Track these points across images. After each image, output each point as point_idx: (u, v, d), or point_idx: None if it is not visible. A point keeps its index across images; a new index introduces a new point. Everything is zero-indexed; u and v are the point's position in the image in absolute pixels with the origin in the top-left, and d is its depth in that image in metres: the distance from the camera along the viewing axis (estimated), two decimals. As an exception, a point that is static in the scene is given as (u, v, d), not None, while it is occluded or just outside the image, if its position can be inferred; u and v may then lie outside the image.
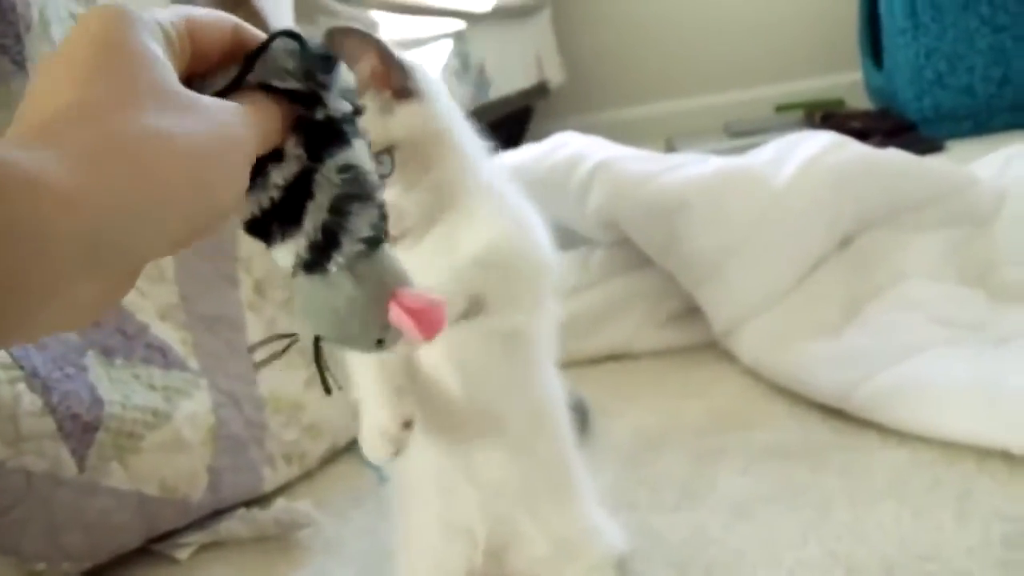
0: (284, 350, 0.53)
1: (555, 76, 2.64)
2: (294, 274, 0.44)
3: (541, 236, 0.68)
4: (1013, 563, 0.69)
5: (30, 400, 0.80)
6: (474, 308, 0.62)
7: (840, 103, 2.62)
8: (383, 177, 0.61)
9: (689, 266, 1.15)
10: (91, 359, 0.88)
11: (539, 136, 2.10)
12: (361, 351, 0.51)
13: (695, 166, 1.18)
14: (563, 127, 2.87)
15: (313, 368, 0.51)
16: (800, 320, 1.08)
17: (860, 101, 2.49)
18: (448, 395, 0.66)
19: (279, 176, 0.40)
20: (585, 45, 2.82)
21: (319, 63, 0.41)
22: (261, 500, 0.97)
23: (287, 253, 0.42)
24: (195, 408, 0.94)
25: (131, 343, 0.93)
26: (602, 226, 1.24)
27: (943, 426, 0.85)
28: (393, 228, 0.55)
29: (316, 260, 0.42)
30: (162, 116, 0.32)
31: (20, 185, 0.27)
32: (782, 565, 0.74)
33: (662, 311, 1.22)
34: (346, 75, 0.43)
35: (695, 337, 1.18)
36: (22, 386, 0.80)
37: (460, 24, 2.06)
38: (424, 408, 0.65)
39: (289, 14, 1.33)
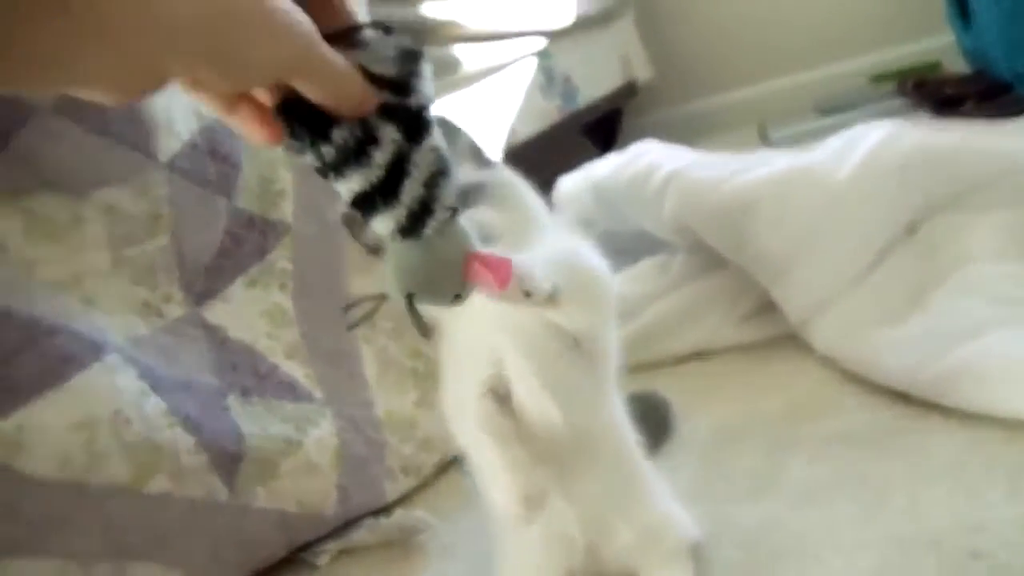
0: (375, 310, 0.64)
1: (643, 73, 2.70)
2: (392, 240, 0.53)
3: (599, 258, 0.77)
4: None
5: (185, 440, 0.96)
6: (554, 297, 0.68)
7: (936, 67, 2.58)
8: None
9: (760, 264, 1.22)
10: (231, 400, 1.04)
11: (632, 134, 2.17)
12: (442, 304, 0.60)
13: (760, 169, 1.25)
14: (655, 122, 2.94)
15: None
16: (869, 308, 1.13)
17: (960, 63, 2.44)
18: (552, 424, 0.73)
19: (381, 158, 0.49)
20: (671, 38, 2.85)
21: (411, 57, 0.49)
22: (384, 510, 1.11)
23: (386, 222, 0.52)
24: (322, 434, 1.08)
25: (263, 382, 1.08)
26: (678, 231, 1.32)
27: (1002, 404, 0.89)
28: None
29: (413, 227, 0.52)
30: None
31: None
32: (842, 548, 0.81)
33: (741, 308, 1.29)
34: (427, 67, 0.51)
35: (773, 331, 1.25)
36: (179, 429, 0.96)
37: (542, 42, 2.15)
38: (533, 444, 0.72)
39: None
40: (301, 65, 0.43)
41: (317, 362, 1.15)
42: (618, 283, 1.21)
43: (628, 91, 2.62)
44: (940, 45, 2.55)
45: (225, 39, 0.40)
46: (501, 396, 0.72)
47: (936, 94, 2.20)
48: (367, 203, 0.50)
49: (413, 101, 0.49)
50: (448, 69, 1.69)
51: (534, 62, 2.12)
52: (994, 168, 1.17)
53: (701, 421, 1.11)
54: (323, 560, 1.07)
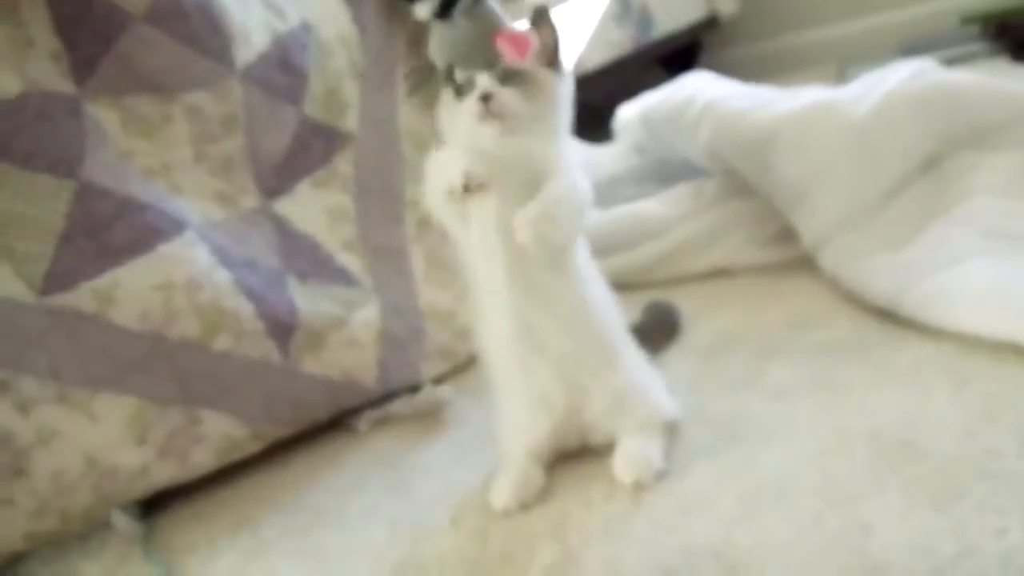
0: (428, 78, 0.83)
1: (727, 7, 2.71)
2: (432, 21, 0.73)
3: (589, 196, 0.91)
4: (977, 431, 0.83)
5: (247, 308, 1.12)
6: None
7: (1031, 9, 2.50)
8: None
9: (781, 190, 1.30)
10: (290, 280, 1.20)
11: (711, 67, 2.21)
12: (479, 70, 0.76)
13: (787, 102, 1.32)
14: (735, 56, 2.96)
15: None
16: (877, 237, 1.20)
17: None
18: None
19: None
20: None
21: None
22: (419, 387, 1.26)
23: (425, 7, 0.71)
24: (367, 316, 1.24)
25: (320, 268, 1.24)
26: (711, 158, 1.41)
27: (960, 322, 0.98)
28: (494, 107, 0.81)
29: (444, 10, 0.71)
30: None
31: None
32: (793, 435, 0.92)
33: (763, 232, 1.38)
34: None
35: (791, 254, 1.33)
36: (243, 299, 1.13)
37: (619, -28, 2.21)
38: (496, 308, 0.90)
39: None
40: None
41: (370, 255, 1.30)
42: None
43: (709, 24, 2.65)
44: (1039, -14, 2.46)
45: None
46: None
47: (1016, 37, 2.17)
48: None
49: None
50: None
51: (610, -9, 2.18)
52: (1010, 111, 1.21)
53: (706, 327, 1.22)
54: (364, 426, 1.23)
